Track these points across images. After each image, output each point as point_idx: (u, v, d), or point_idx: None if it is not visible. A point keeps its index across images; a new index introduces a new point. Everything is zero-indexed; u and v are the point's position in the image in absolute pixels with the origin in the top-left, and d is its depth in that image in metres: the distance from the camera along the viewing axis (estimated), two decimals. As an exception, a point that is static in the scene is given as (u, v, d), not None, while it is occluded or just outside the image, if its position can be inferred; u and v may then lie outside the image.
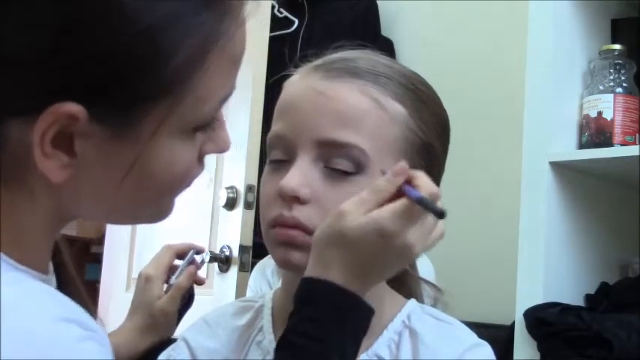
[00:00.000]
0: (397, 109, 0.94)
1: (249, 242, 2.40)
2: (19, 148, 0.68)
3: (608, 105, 1.74)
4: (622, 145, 1.72)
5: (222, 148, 0.78)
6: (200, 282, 1.41)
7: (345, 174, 0.92)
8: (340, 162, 0.92)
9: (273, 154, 0.95)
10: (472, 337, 0.98)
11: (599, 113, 1.74)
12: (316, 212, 0.90)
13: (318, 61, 0.97)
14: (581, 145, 1.78)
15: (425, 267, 1.43)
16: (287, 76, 1.00)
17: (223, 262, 2.41)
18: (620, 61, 1.77)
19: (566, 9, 1.81)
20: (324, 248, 0.84)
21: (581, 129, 1.79)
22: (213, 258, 2.40)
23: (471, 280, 2.47)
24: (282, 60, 2.51)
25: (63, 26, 0.66)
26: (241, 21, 0.73)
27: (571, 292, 1.75)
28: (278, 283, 1.10)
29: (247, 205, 2.40)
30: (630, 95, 1.75)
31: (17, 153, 0.68)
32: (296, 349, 0.82)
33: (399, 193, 0.84)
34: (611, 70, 1.77)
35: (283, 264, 0.94)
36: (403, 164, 0.85)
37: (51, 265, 0.78)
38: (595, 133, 1.75)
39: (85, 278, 3.94)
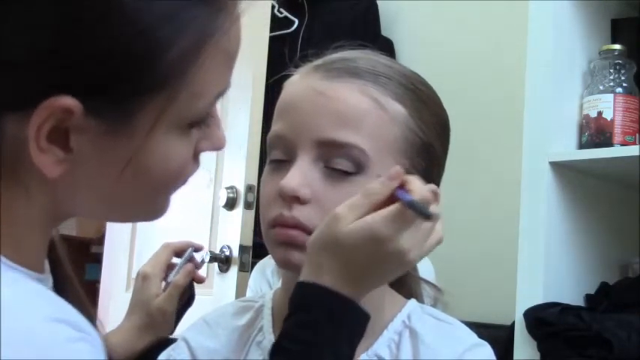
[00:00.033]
0: (397, 109, 0.94)
1: (249, 242, 2.40)
2: (14, 144, 0.68)
3: (608, 105, 1.74)
4: (622, 145, 1.72)
5: (217, 145, 0.78)
6: (200, 280, 1.41)
7: (345, 174, 0.92)
8: (340, 162, 0.92)
9: (274, 154, 0.95)
10: (472, 337, 0.98)
11: (599, 113, 1.74)
12: (316, 212, 0.90)
13: (318, 61, 0.97)
14: (581, 145, 1.78)
15: (425, 267, 1.43)
16: (287, 76, 1.00)
17: (223, 262, 2.41)
18: (620, 61, 1.77)
19: (566, 9, 1.81)
20: (318, 253, 0.84)
21: (581, 129, 1.79)
22: (213, 258, 2.40)
23: (471, 280, 2.47)
24: (282, 60, 2.51)
25: (61, 25, 0.66)
26: (236, 17, 0.73)
27: (571, 292, 1.75)
28: (278, 283, 1.10)
29: (247, 205, 2.40)
30: (630, 95, 1.75)
31: (12, 149, 0.68)
32: (290, 354, 0.82)
33: (393, 198, 0.84)
34: (611, 70, 1.77)
35: (283, 264, 0.94)
36: (398, 168, 0.85)
37: (47, 263, 0.77)
38: (595, 133, 1.75)
39: (85, 278, 3.93)
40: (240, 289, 2.34)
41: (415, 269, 1.07)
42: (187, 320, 1.10)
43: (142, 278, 1.34)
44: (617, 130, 1.72)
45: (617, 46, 1.79)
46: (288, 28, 2.82)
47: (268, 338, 0.99)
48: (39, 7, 0.66)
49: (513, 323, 1.73)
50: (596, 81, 1.78)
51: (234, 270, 2.40)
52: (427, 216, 0.82)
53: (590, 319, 1.61)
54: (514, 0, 2.41)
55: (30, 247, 0.72)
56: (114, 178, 0.71)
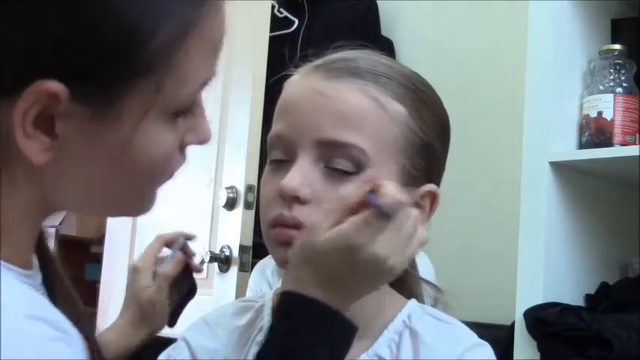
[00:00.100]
0: (397, 109, 0.94)
1: (249, 242, 2.40)
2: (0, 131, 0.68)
3: (608, 105, 1.74)
4: (622, 145, 1.72)
5: (202, 138, 0.78)
6: (197, 269, 1.39)
7: (346, 174, 0.92)
8: (340, 162, 0.92)
9: (274, 154, 0.95)
10: (472, 337, 0.98)
11: (599, 113, 1.74)
12: (316, 212, 0.90)
13: (319, 61, 0.97)
14: (581, 145, 1.78)
15: (425, 267, 1.43)
16: (287, 76, 1.00)
17: (223, 262, 2.41)
18: (620, 61, 1.77)
19: (566, 9, 1.81)
20: (297, 262, 0.85)
21: (581, 129, 1.79)
22: (213, 258, 2.40)
23: (471, 280, 2.47)
24: (282, 60, 2.51)
25: (47, 11, 0.66)
26: (220, 5, 0.74)
27: (571, 292, 1.75)
28: (278, 283, 1.10)
29: (247, 205, 2.40)
30: (630, 95, 1.75)
31: None
32: None
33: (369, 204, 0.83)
34: (611, 70, 1.77)
35: (283, 264, 0.94)
36: (371, 173, 0.86)
37: (36, 260, 0.76)
38: (595, 133, 1.75)
39: (85, 278, 3.94)
40: (240, 289, 2.34)
41: (415, 269, 1.07)
42: (187, 320, 1.10)
43: (133, 271, 1.34)
44: (617, 130, 1.72)
45: (617, 46, 1.79)
46: (288, 28, 2.82)
47: (268, 338, 0.99)
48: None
49: (513, 323, 1.73)
50: (596, 81, 1.78)
51: (234, 270, 2.40)
52: (387, 216, 0.81)
53: (590, 319, 1.61)
54: (514, 0, 2.41)
55: (16, 241, 0.71)
56: (100, 166, 0.71)
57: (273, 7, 2.71)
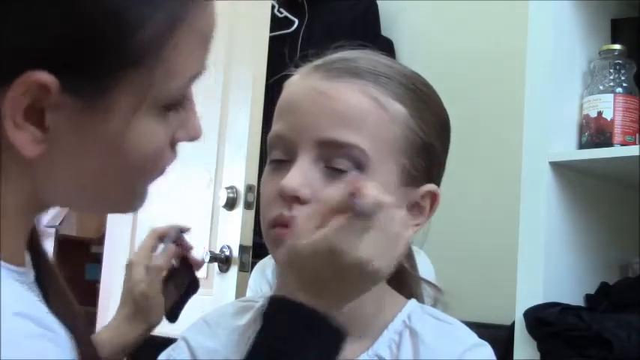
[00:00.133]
0: (397, 108, 0.94)
1: (249, 242, 2.40)
2: None
3: (608, 105, 1.74)
4: (622, 145, 1.72)
5: (192, 135, 0.78)
6: (195, 263, 1.37)
7: (346, 174, 0.91)
8: (341, 162, 0.91)
9: (274, 154, 0.95)
10: (472, 337, 0.98)
11: (599, 113, 1.74)
12: (316, 212, 0.90)
13: (319, 61, 0.97)
14: (581, 145, 1.78)
15: (425, 267, 1.43)
16: (287, 76, 1.00)
17: (223, 262, 2.41)
18: (620, 61, 1.77)
19: (566, 9, 1.81)
20: (286, 267, 0.85)
21: (581, 129, 1.79)
22: (213, 258, 2.40)
23: (471, 280, 2.47)
24: (282, 60, 2.51)
25: (36, 2, 0.66)
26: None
27: (571, 292, 1.75)
28: (278, 283, 1.10)
29: (247, 205, 2.40)
30: (630, 95, 1.75)
31: None
32: None
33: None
34: (611, 70, 1.77)
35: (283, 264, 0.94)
36: (354, 175, 0.85)
37: (29, 257, 0.76)
38: (595, 133, 1.75)
39: (85, 278, 3.94)
40: (240, 289, 2.34)
41: (415, 269, 1.07)
42: (187, 320, 1.10)
43: (127, 266, 1.34)
44: (617, 130, 1.72)
45: (617, 46, 1.79)
46: (288, 28, 2.82)
47: (268, 338, 0.99)
48: None
49: (513, 323, 1.73)
50: (596, 81, 1.79)
51: (234, 270, 2.40)
52: (367, 217, 0.81)
53: (590, 319, 1.61)
54: (514, 0, 2.41)
55: (7, 237, 0.70)
56: (91, 160, 0.71)
57: (273, 7, 2.71)
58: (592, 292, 1.78)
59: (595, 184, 1.83)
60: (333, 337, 0.83)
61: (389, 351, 0.96)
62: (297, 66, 1.00)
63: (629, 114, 1.74)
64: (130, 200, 0.78)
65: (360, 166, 0.91)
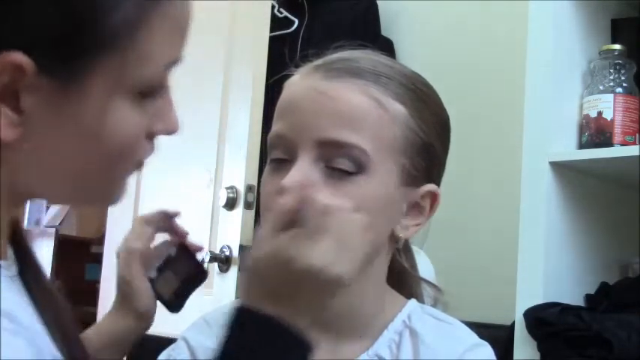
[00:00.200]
0: (398, 109, 0.94)
1: (249, 242, 2.40)
2: None
3: (608, 105, 1.74)
4: (622, 145, 1.72)
5: (170, 128, 0.78)
6: (194, 248, 1.34)
7: (346, 174, 0.92)
8: (341, 162, 0.91)
9: (274, 154, 0.95)
10: (472, 337, 0.98)
11: (599, 113, 1.74)
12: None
13: (319, 61, 0.97)
14: (581, 145, 1.78)
15: (425, 267, 1.43)
16: (287, 76, 1.00)
17: (223, 262, 2.41)
18: (620, 61, 1.77)
19: (566, 9, 1.81)
20: (249, 274, 0.83)
21: (581, 129, 1.79)
22: (213, 258, 2.40)
23: (471, 280, 2.47)
24: (282, 60, 2.51)
25: None
26: None
27: (571, 292, 1.75)
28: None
29: (247, 205, 2.40)
30: (630, 95, 1.75)
31: None
32: None
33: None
34: (611, 70, 1.77)
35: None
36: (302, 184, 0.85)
37: (11, 251, 0.75)
38: (595, 133, 1.75)
39: (85, 278, 3.94)
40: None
41: (415, 269, 1.07)
42: (187, 320, 1.10)
43: (116, 257, 1.34)
44: (617, 130, 1.72)
45: (617, 46, 1.79)
46: (288, 28, 2.82)
47: (268, 338, 0.98)
48: None
49: (513, 323, 1.73)
50: (596, 81, 1.79)
51: (234, 270, 2.40)
52: (314, 223, 0.79)
53: (590, 319, 1.61)
54: (514, 0, 2.41)
55: None
56: (69, 146, 0.71)
57: (273, 7, 2.71)
58: (592, 292, 1.78)
59: (595, 184, 1.83)
60: (296, 346, 0.78)
61: (389, 351, 0.96)
62: (297, 66, 1.00)
63: (629, 114, 1.74)
64: (109, 191, 0.77)
65: (360, 166, 0.91)
